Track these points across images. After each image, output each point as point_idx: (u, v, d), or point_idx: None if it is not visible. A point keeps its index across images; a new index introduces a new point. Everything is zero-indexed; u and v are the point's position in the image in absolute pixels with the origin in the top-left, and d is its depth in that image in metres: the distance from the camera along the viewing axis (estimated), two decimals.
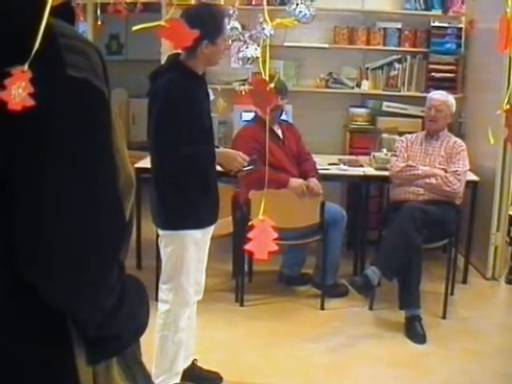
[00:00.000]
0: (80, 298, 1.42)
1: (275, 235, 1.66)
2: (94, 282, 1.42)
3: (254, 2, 6.75)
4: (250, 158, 3.95)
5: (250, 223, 1.68)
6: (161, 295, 3.97)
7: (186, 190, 3.78)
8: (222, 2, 5.58)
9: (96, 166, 1.41)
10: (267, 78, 1.74)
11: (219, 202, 3.96)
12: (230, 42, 5.69)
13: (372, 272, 5.13)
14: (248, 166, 3.96)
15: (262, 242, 1.70)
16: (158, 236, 4.05)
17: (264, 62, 1.80)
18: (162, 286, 3.98)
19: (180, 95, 3.69)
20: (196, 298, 4.06)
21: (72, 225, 1.36)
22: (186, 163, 3.72)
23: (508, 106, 1.94)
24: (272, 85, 1.64)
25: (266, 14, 1.83)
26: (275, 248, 1.64)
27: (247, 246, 1.66)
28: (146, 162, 3.99)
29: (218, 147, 4.09)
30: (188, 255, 3.85)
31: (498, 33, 1.98)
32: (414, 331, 5.17)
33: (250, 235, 1.68)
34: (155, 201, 3.89)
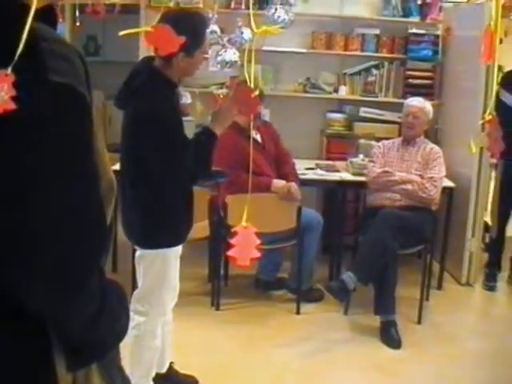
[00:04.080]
0: (62, 305, 1.41)
1: (258, 242, 1.67)
2: (77, 288, 1.41)
3: (232, 6, 6.75)
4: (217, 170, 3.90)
5: (233, 229, 1.67)
6: (137, 307, 3.84)
7: (172, 208, 3.71)
8: (202, 6, 5.58)
9: (80, 173, 1.40)
10: (251, 84, 1.74)
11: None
12: (209, 45, 5.67)
13: (348, 277, 5.13)
14: (217, 177, 3.92)
15: (245, 249, 1.70)
16: (134, 250, 3.98)
17: (248, 66, 1.79)
18: (138, 299, 3.88)
19: (170, 116, 3.59)
20: (172, 304, 4.03)
21: (55, 233, 1.35)
22: (180, 187, 3.68)
23: (490, 117, 1.96)
24: (257, 92, 1.64)
25: (252, 21, 1.82)
26: (258, 255, 1.64)
27: (230, 252, 1.66)
28: None
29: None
30: (170, 270, 3.82)
31: (483, 44, 2.00)
32: (389, 336, 5.19)
33: (232, 241, 1.68)
34: (135, 219, 3.78)
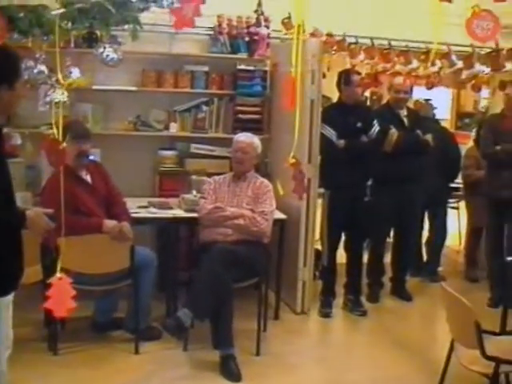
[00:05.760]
0: None
1: (73, 292, 1.68)
2: None
3: (61, 45, 6.66)
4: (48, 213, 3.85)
5: (47, 281, 1.65)
6: None
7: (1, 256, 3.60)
8: (30, 45, 5.49)
9: None
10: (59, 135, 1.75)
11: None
12: (38, 85, 5.58)
13: (184, 314, 5.13)
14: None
15: (61, 300, 1.71)
16: None
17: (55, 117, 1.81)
18: None
19: None
20: (6, 354, 3.89)
21: None
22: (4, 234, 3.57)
23: (294, 160, 2.05)
24: (64, 144, 1.65)
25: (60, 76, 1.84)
26: (73, 305, 1.65)
27: (46, 304, 1.66)
28: None
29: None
30: (1, 320, 3.69)
31: (285, 92, 2.10)
32: (228, 370, 5.23)
33: (48, 293, 1.68)
34: None
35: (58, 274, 1.64)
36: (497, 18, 3.11)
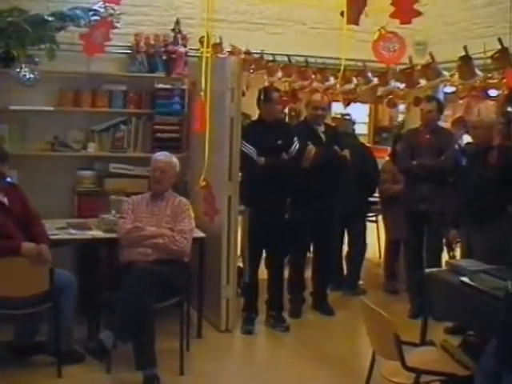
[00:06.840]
0: None
1: None
2: None
3: None
4: None
5: None
6: None
7: None
8: None
9: None
10: None
11: None
12: None
13: (106, 336, 5.09)
14: None
15: None
16: None
17: None
18: None
19: None
20: None
21: None
22: None
23: (204, 183, 2.07)
24: None
25: None
26: None
27: None
28: None
29: None
30: None
31: (196, 115, 2.12)
32: None
33: None
34: None
35: None
36: (402, 39, 3.20)
